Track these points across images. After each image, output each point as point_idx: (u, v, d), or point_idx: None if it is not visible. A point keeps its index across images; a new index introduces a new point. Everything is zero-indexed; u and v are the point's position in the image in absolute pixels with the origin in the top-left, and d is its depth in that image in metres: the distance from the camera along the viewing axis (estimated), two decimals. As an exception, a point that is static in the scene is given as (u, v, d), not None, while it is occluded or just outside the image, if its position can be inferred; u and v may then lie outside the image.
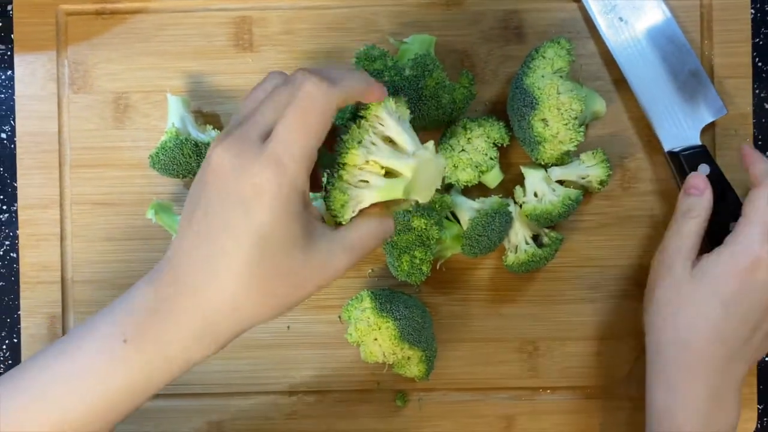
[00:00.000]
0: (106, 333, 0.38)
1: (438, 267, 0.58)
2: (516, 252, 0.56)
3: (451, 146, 0.55)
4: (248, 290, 0.37)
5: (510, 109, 0.55)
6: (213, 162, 0.37)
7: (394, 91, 0.49)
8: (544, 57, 0.52)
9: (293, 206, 0.37)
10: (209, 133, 0.57)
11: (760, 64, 0.61)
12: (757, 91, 0.60)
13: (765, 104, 0.61)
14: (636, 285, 0.58)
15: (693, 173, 0.55)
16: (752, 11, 0.60)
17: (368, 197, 0.40)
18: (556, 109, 0.51)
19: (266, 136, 0.37)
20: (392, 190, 0.40)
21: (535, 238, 0.57)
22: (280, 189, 0.36)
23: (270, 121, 0.38)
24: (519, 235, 0.56)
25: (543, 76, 0.52)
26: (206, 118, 0.59)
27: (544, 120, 0.52)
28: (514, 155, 0.58)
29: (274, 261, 0.37)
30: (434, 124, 0.54)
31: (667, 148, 0.57)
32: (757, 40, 0.61)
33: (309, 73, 0.38)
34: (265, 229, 0.36)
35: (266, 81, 0.41)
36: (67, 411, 0.38)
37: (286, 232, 0.37)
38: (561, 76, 0.52)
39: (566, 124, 0.51)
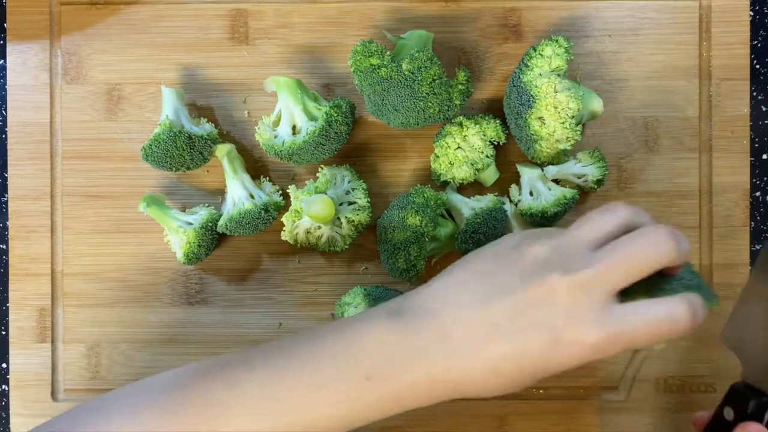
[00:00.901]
0: (349, 366, 0.39)
1: (432, 264, 0.57)
2: None
3: (447, 143, 0.54)
4: (496, 380, 0.39)
5: (507, 107, 0.55)
6: (550, 281, 0.38)
7: None
8: (542, 55, 0.52)
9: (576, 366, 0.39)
10: (203, 126, 0.56)
11: (758, 66, 0.61)
12: (754, 94, 0.60)
13: (762, 107, 0.60)
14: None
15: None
16: (751, 13, 0.60)
17: None
18: (553, 108, 0.51)
19: (614, 292, 0.38)
20: None
21: None
22: (589, 358, 0.38)
23: (624, 283, 0.38)
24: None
25: (540, 75, 0.52)
26: (201, 111, 0.59)
27: (540, 118, 0.51)
28: (511, 154, 0.58)
29: (534, 382, 0.40)
30: (431, 121, 0.54)
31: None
32: (756, 42, 0.61)
33: (690, 307, 0.38)
34: (554, 370, 0.39)
35: (618, 211, 0.41)
36: (296, 422, 0.40)
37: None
38: (559, 75, 0.52)
39: (563, 123, 0.51)
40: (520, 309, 0.38)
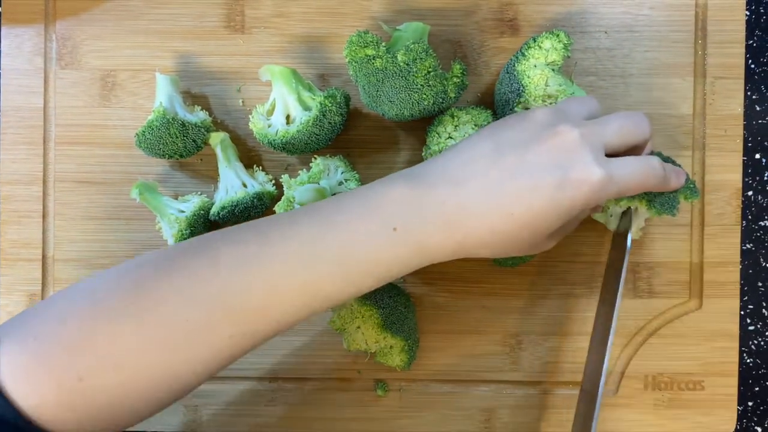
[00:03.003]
0: (378, 219, 0.42)
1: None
2: None
3: (438, 133, 0.54)
4: (506, 226, 0.42)
5: (497, 93, 0.55)
6: (561, 129, 0.43)
7: None
8: (540, 47, 0.52)
9: (578, 211, 0.43)
10: (197, 114, 0.56)
11: (753, 65, 0.61)
12: (748, 93, 0.60)
13: (756, 106, 0.61)
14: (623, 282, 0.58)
15: None
16: (747, 13, 0.60)
17: None
18: (541, 101, 0.51)
19: (609, 148, 0.44)
20: None
21: None
22: (591, 198, 0.42)
23: (616, 144, 0.45)
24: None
25: (535, 66, 0.52)
26: (195, 98, 0.58)
27: (527, 109, 0.52)
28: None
29: (540, 234, 0.43)
30: (425, 113, 0.54)
31: None
32: (751, 41, 0.61)
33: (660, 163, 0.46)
34: (561, 211, 0.42)
35: (627, 118, 0.46)
36: (325, 278, 0.42)
37: (565, 221, 0.43)
38: (553, 69, 0.52)
39: None
40: (531, 155, 0.42)
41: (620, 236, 0.53)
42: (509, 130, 0.44)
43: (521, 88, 0.51)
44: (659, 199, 0.50)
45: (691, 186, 0.51)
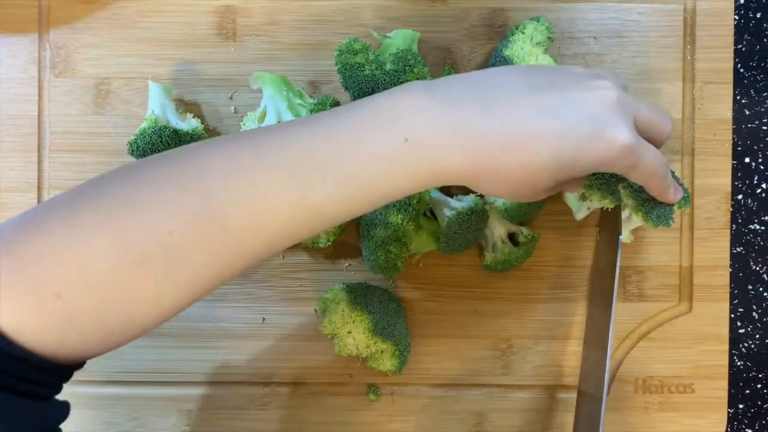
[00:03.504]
0: (383, 128, 0.38)
1: (414, 262, 0.58)
2: (493, 251, 0.56)
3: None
4: (528, 163, 0.39)
5: None
6: (603, 86, 0.40)
7: None
8: (523, 32, 0.53)
9: (594, 169, 0.41)
10: (189, 121, 0.57)
11: (742, 70, 0.61)
12: (738, 97, 0.61)
13: (746, 110, 0.61)
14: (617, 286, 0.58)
15: None
16: (736, 17, 0.60)
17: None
18: None
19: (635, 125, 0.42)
20: None
21: (511, 237, 0.57)
22: (615, 159, 0.40)
23: (642, 125, 0.43)
24: (495, 233, 0.56)
25: (523, 48, 0.52)
26: (187, 106, 0.59)
27: None
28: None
29: (554, 179, 0.40)
30: (414, 120, 0.54)
31: None
32: (740, 46, 0.61)
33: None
34: (584, 163, 0.40)
35: (657, 108, 0.45)
36: (322, 190, 0.38)
37: (580, 174, 0.41)
38: (540, 50, 0.53)
39: None
40: (571, 98, 0.40)
41: (608, 240, 0.54)
42: (544, 71, 0.42)
43: None
44: (656, 211, 0.50)
45: (686, 195, 0.51)
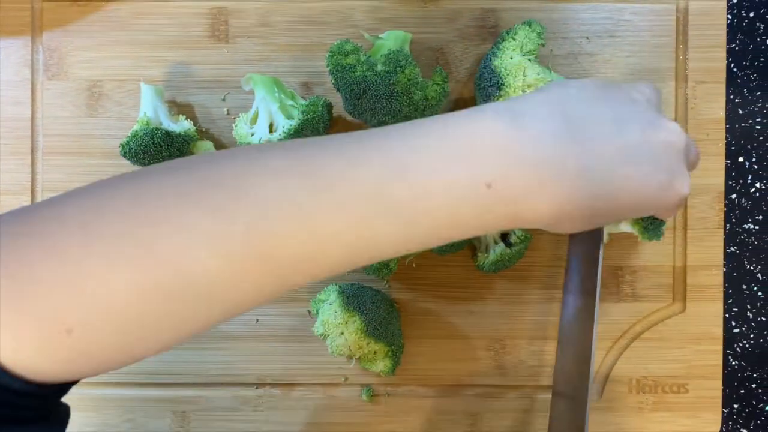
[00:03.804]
0: (465, 171, 0.34)
1: (407, 263, 0.58)
2: (486, 251, 0.56)
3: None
4: (604, 208, 0.37)
5: (477, 89, 0.55)
6: (675, 131, 0.39)
7: None
8: (514, 39, 0.53)
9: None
10: (182, 123, 0.57)
11: (735, 69, 0.61)
12: (731, 96, 0.61)
13: (739, 110, 0.61)
14: (604, 285, 0.58)
15: None
16: (729, 17, 0.60)
17: None
18: (521, 91, 0.51)
19: None
20: None
21: (504, 238, 0.57)
22: (671, 208, 0.40)
23: (691, 163, 0.42)
24: (488, 234, 0.56)
25: (512, 58, 0.52)
26: (180, 108, 0.59)
27: None
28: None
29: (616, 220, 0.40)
30: (405, 121, 0.54)
31: None
32: (733, 45, 0.61)
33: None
34: (649, 210, 0.39)
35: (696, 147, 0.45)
36: (380, 229, 0.34)
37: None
38: (530, 59, 0.52)
39: None
40: (649, 147, 0.38)
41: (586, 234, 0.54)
42: (622, 97, 0.40)
43: (500, 82, 0.52)
44: (652, 227, 0.52)
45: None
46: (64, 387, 0.36)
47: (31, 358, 0.32)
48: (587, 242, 0.54)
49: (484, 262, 0.56)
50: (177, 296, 0.32)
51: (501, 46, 0.53)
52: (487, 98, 0.53)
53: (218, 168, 0.33)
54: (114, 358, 0.33)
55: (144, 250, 0.31)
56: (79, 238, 0.31)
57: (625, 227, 0.53)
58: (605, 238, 0.55)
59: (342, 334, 0.54)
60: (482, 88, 0.54)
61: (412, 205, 0.34)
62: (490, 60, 0.53)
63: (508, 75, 0.52)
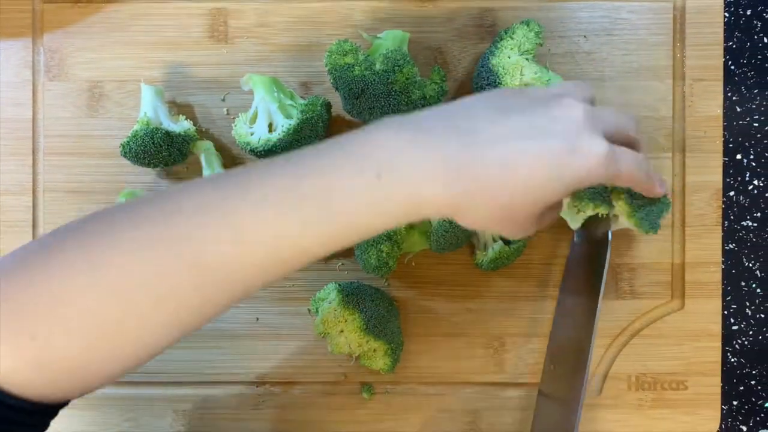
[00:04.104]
0: (361, 166, 0.38)
1: (406, 262, 0.58)
2: (485, 250, 0.57)
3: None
4: (508, 187, 0.39)
5: (475, 88, 0.55)
6: (568, 104, 0.41)
7: None
8: (512, 38, 0.53)
9: (575, 186, 0.40)
10: (182, 123, 0.57)
11: (732, 67, 0.61)
12: (729, 94, 0.61)
13: (737, 107, 0.61)
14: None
15: None
16: (726, 15, 0.61)
17: None
18: None
19: (605, 135, 0.42)
20: None
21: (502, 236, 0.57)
22: (594, 171, 0.40)
23: (615, 128, 0.43)
24: (487, 232, 0.56)
25: (509, 57, 0.52)
26: (180, 108, 0.59)
27: None
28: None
29: (536, 204, 0.40)
30: (404, 120, 0.54)
31: None
32: (731, 43, 0.61)
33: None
34: (564, 180, 0.39)
35: (621, 113, 0.46)
36: (296, 229, 0.38)
37: (561, 195, 0.40)
38: (527, 59, 0.52)
39: None
40: (540, 120, 0.40)
41: (595, 238, 0.54)
42: (509, 96, 0.42)
43: (498, 80, 0.52)
44: (647, 218, 0.51)
45: (667, 201, 0.52)
46: (52, 409, 0.39)
47: (17, 373, 0.36)
48: (589, 242, 0.54)
49: (482, 260, 0.57)
50: (127, 299, 0.37)
51: (499, 45, 0.54)
52: None
53: (158, 196, 0.39)
54: (85, 375, 0.38)
55: (95, 265, 0.37)
56: (42, 257, 0.37)
57: (624, 222, 0.53)
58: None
59: (342, 332, 0.54)
60: (480, 86, 0.54)
61: (319, 201, 0.37)
62: (488, 59, 0.54)
63: (505, 74, 0.52)
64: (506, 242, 0.56)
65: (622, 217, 0.53)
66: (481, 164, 0.38)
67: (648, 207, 0.51)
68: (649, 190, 0.47)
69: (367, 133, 0.39)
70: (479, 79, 0.54)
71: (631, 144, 0.44)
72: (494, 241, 0.56)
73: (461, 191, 0.38)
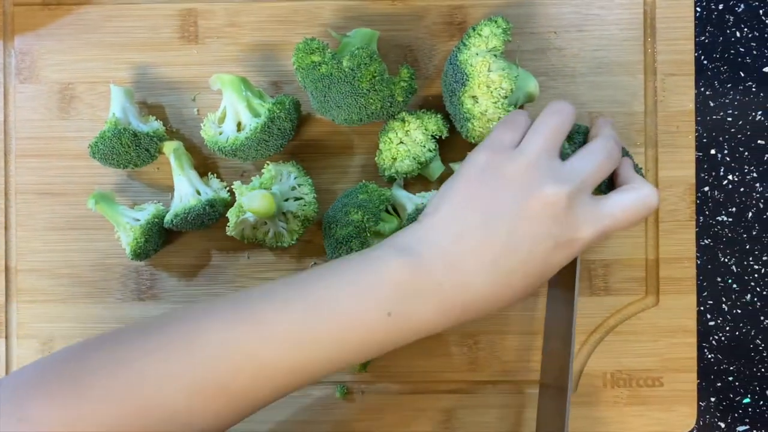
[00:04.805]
0: (371, 307, 0.42)
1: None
2: None
3: (389, 138, 0.55)
4: (505, 296, 0.43)
5: (443, 85, 0.55)
6: (547, 192, 0.43)
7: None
8: (480, 35, 0.53)
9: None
10: (151, 124, 0.57)
11: (705, 61, 0.61)
12: (702, 89, 0.61)
13: (710, 102, 0.61)
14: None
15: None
16: (698, 9, 0.61)
17: None
18: (486, 87, 0.51)
19: (593, 190, 0.45)
20: None
21: None
22: (583, 249, 0.44)
23: (599, 181, 0.45)
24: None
25: (477, 54, 0.52)
26: (151, 109, 0.59)
27: (474, 97, 0.52)
28: (459, 148, 0.58)
29: (539, 287, 0.45)
30: (374, 118, 0.54)
31: None
32: (703, 38, 0.61)
33: (653, 189, 0.46)
34: (554, 269, 0.44)
35: (565, 111, 0.47)
36: (313, 359, 0.42)
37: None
38: (495, 55, 0.52)
39: (495, 102, 0.51)
40: (521, 225, 0.43)
41: None
42: (490, 192, 0.44)
43: (465, 78, 0.52)
44: None
45: None
46: None
47: None
48: None
49: None
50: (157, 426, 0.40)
51: (466, 42, 0.53)
52: (452, 94, 0.53)
53: (181, 321, 0.42)
54: None
55: (124, 397, 0.40)
56: (43, 392, 0.40)
57: None
58: None
59: (312, 331, 0.54)
60: (447, 83, 0.54)
61: (333, 337, 0.41)
62: (456, 56, 0.54)
63: (472, 71, 0.52)
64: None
65: None
66: (475, 295, 0.42)
67: None
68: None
69: (374, 264, 0.43)
70: (447, 76, 0.54)
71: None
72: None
73: (458, 317, 0.43)
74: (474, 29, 0.53)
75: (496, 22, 0.53)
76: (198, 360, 0.40)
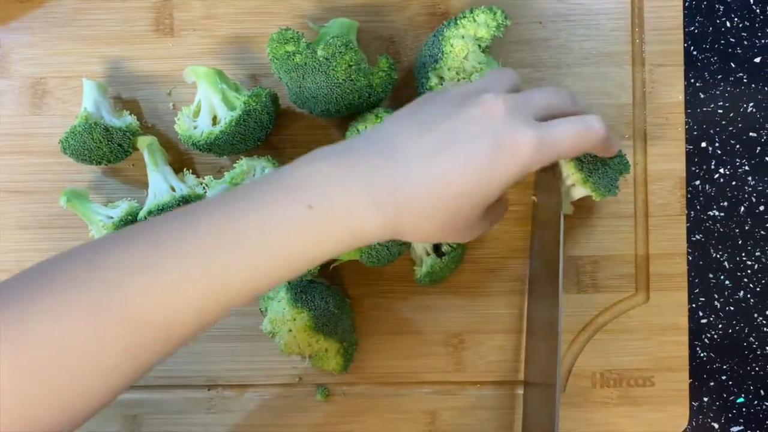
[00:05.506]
0: (288, 201, 0.38)
1: (331, 268, 0.56)
2: (421, 265, 0.55)
3: (357, 130, 0.53)
4: (443, 198, 0.39)
5: (419, 57, 0.54)
6: (487, 100, 0.40)
7: None
8: (473, 19, 0.51)
9: (513, 180, 0.40)
10: (125, 119, 0.55)
11: (695, 52, 0.59)
12: (692, 80, 0.59)
13: (700, 94, 0.59)
14: (564, 276, 0.56)
15: None
16: (687, -1, 0.59)
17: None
18: (455, 72, 0.50)
19: (536, 117, 0.42)
20: None
21: (437, 249, 0.55)
22: (527, 161, 0.40)
23: (545, 110, 0.42)
24: (419, 247, 0.55)
25: (462, 36, 0.50)
26: (125, 103, 0.58)
27: (441, 77, 0.50)
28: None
29: (476, 208, 0.40)
30: (352, 109, 0.53)
31: None
32: (693, 28, 0.59)
33: (601, 122, 0.43)
34: (498, 179, 0.40)
35: (550, 90, 0.44)
36: (233, 270, 0.37)
37: (500, 192, 0.40)
38: (480, 45, 0.51)
39: None
40: (460, 126, 0.40)
41: (546, 215, 0.52)
42: (428, 105, 0.42)
43: (440, 54, 0.50)
44: (603, 181, 0.49)
45: (625, 160, 0.50)
46: None
47: None
48: (549, 225, 0.53)
49: (420, 276, 0.55)
50: (53, 366, 0.35)
51: (459, 22, 0.51)
52: (422, 66, 0.52)
53: (79, 252, 0.38)
54: None
55: (17, 333, 0.35)
56: None
57: (580, 191, 0.51)
58: (568, 209, 0.54)
59: (290, 331, 0.52)
60: (423, 55, 0.53)
61: (249, 241, 0.37)
62: (443, 30, 0.52)
63: (450, 51, 0.50)
64: (438, 254, 0.54)
65: (578, 185, 0.51)
66: (410, 189, 0.39)
67: (602, 169, 0.49)
68: (606, 151, 0.46)
69: (299, 165, 0.40)
70: (425, 48, 0.53)
71: (571, 113, 0.43)
72: (428, 255, 0.54)
73: (394, 218, 0.39)
74: (471, 11, 0.51)
75: (495, 13, 0.51)
76: (95, 290, 0.36)
